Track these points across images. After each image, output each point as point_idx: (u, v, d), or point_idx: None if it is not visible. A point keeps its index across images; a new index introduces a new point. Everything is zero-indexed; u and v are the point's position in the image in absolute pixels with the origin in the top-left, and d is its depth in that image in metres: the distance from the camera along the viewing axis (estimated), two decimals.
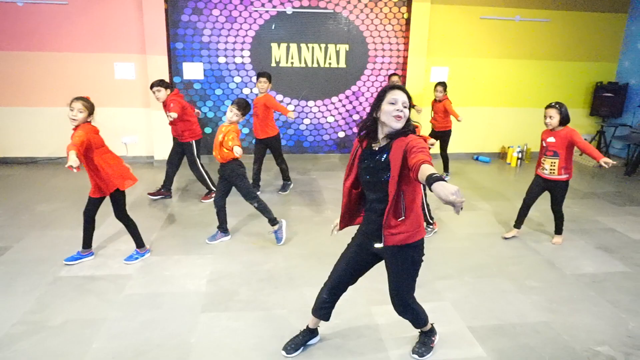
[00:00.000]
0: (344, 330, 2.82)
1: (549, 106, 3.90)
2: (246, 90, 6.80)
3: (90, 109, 3.28)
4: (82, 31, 6.18)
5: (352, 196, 2.35)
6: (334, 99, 7.03)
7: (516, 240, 4.23)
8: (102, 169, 3.33)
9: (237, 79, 6.74)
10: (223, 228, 4.06)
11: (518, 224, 4.29)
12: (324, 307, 2.53)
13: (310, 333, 2.66)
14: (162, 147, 6.44)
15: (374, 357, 2.59)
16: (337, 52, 6.81)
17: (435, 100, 6.06)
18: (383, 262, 2.39)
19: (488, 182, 6.27)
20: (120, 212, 3.53)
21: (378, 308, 3.05)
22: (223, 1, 6.39)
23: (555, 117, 3.83)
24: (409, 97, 2.14)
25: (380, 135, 2.16)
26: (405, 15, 6.81)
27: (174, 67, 6.55)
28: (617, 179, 6.48)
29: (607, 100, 7.41)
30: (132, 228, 3.63)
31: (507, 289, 3.36)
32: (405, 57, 6.93)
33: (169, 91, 4.75)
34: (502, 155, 7.63)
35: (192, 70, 6.61)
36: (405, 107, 2.10)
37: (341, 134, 7.25)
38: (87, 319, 2.84)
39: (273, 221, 4.01)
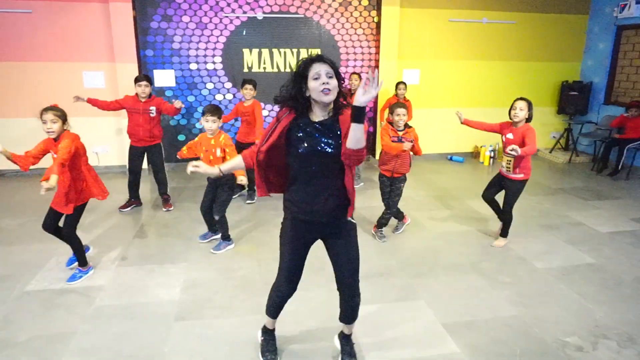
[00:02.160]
0: (322, 331, 2.82)
1: (521, 98, 3.73)
2: (219, 97, 6.76)
3: (62, 116, 3.17)
4: (48, 40, 6.04)
5: (261, 163, 2.14)
6: None
7: (488, 238, 4.31)
8: (86, 178, 3.25)
9: (210, 85, 6.69)
10: (225, 236, 4.00)
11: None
12: (281, 306, 2.46)
13: (273, 334, 2.62)
14: None
15: None
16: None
17: (398, 99, 6.14)
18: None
19: (462, 181, 6.37)
20: (72, 228, 3.33)
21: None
22: (193, 7, 6.35)
23: (524, 110, 3.68)
24: (333, 65, 2.00)
25: (319, 110, 2.05)
26: (376, 19, 6.89)
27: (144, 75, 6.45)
28: (585, 175, 6.67)
29: (573, 99, 7.64)
30: (78, 245, 3.40)
31: (479, 285, 3.42)
32: (377, 60, 7.00)
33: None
34: (475, 155, 7.77)
35: (164, 78, 6.53)
36: (330, 77, 1.96)
37: None
38: (56, 334, 2.76)
39: (227, 237, 4.00)
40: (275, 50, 6.73)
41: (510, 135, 3.82)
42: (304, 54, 6.81)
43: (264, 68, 6.76)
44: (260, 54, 6.70)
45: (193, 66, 6.58)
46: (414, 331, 2.82)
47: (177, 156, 4.04)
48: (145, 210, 4.96)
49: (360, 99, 1.78)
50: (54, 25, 6.01)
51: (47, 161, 3.12)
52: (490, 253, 3.98)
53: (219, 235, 4.07)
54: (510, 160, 3.82)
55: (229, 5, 6.43)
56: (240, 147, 5.20)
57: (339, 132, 2.03)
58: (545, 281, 3.49)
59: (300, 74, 2.01)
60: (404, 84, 6.27)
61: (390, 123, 3.96)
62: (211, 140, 3.76)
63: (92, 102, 4.82)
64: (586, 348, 2.69)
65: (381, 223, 4.19)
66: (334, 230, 2.23)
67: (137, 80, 4.72)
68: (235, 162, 2.27)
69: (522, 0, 7.31)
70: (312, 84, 1.97)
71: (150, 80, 4.77)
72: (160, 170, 4.94)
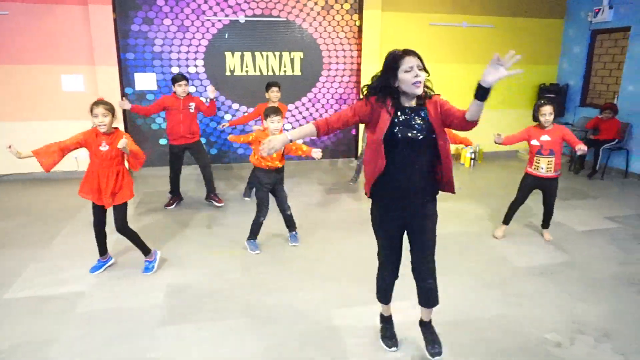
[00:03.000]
0: (310, 334, 2.83)
1: (546, 104, 3.94)
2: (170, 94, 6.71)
3: (112, 110, 3.24)
4: (25, 42, 5.93)
5: (381, 152, 2.20)
6: (291, 106, 7.07)
7: (474, 238, 4.38)
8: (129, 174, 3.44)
9: (192, 89, 6.65)
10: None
11: (507, 220, 4.36)
12: (391, 289, 2.60)
13: (390, 321, 2.73)
14: None
15: None
16: (292, 60, 6.86)
17: None
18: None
19: None
20: (125, 222, 3.50)
21: (340, 310, 3.09)
22: (174, 10, 6.31)
23: (553, 113, 3.91)
24: (421, 59, 2.17)
25: (405, 100, 2.22)
26: (357, 23, 6.96)
27: (125, 78, 6.39)
28: (563, 176, 6.81)
29: (550, 101, 7.79)
30: (135, 236, 3.58)
31: (466, 284, 3.47)
32: (359, 64, 7.07)
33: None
34: (456, 157, 7.89)
35: (145, 81, 6.48)
36: (420, 69, 2.13)
37: (299, 141, 7.27)
38: (39, 341, 2.71)
39: (292, 227, 4.19)
40: (257, 54, 6.73)
41: (546, 137, 3.98)
42: (286, 57, 6.83)
43: (247, 71, 6.76)
44: (242, 57, 6.69)
45: (175, 69, 6.53)
46: (401, 332, 2.85)
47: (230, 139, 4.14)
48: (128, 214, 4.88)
49: (487, 78, 1.98)
50: (31, 28, 5.90)
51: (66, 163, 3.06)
52: (473, 253, 4.04)
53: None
54: (551, 161, 3.98)
55: (210, 8, 6.42)
56: None
57: (426, 117, 2.20)
58: (526, 280, 3.57)
59: (392, 66, 2.14)
60: None
61: None
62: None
63: (136, 109, 4.97)
64: (564, 344, 2.76)
65: None
66: (421, 212, 2.33)
67: (175, 80, 4.89)
68: (306, 129, 2.27)
69: (500, 4, 7.47)
70: (403, 75, 2.12)
71: (188, 80, 4.98)
72: (207, 166, 5.12)
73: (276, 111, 3.81)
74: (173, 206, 5.17)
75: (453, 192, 2.36)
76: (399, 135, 2.18)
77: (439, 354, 2.52)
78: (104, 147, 3.23)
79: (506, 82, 7.87)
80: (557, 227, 4.67)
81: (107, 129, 3.22)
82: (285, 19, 6.69)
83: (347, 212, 5.10)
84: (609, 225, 4.72)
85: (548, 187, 4.15)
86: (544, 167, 4.03)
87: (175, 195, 5.24)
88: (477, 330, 2.89)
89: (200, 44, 6.52)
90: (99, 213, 3.44)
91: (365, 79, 6.95)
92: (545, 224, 4.37)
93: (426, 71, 2.18)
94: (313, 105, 7.16)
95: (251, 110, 6.89)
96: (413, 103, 2.24)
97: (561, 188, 6.04)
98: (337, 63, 7.07)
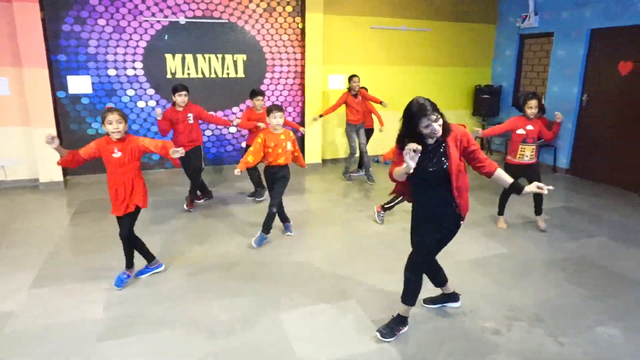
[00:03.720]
0: (255, 340, 2.80)
1: (533, 98, 4.35)
2: (141, 104, 6.48)
3: (125, 117, 3.25)
4: None
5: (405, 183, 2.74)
6: (235, 109, 6.98)
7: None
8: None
9: (131, 92, 6.40)
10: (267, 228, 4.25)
11: (501, 211, 4.78)
12: (440, 277, 3.10)
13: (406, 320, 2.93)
14: (49, 169, 5.88)
15: None
16: (235, 62, 6.78)
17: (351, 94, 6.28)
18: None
19: (390, 182, 6.62)
20: (131, 230, 3.43)
21: (285, 313, 3.08)
22: (109, 10, 6.05)
23: (537, 107, 4.36)
24: (432, 104, 2.44)
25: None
26: (300, 25, 6.99)
27: (57, 81, 6.04)
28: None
29: (485, 101, 8.24)
30: (141, 244, 3.54)
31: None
32: (303, 66, 7.10)
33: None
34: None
35: (79, 84, 6.15)
36: (436, 121, 2.44)
37: (244, 144, 7.18)
38: None
39: (282, 223, 4.49)
40: (199, 56, 6.59)
41: (530, 127, 4.41)
42: (229, 59, 6.73)
43: (188, 74, 6.60)
44: (183, 59, 6.53)
45: (112, 72, 6.26)
46: (345, 330, 2.89)
47: (239, 170, 3.98)
48: (57, 230, 4.62)
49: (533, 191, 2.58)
50: None
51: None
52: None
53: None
54: (534, 149, 4.44)
55: (148, 9, 6.21)
56: None
57: (444, 151, 2.56)
58: (465, 272, 3.73)
59: (411, 122, 2.47)
60: (357, 76, 6.28)
61: None
62: (280, 135, 4.10)
63: (162, 127, 4.93)
64: (502, 331, 2.91)
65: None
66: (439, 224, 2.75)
67: (175, 90, 4.90)
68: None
69: (437, 10, 7.78)
70: (422, 130, 2.47)
71: (188, 90, 4.99)
72: (195, 172, 5.14)
73: (279, 108, 4.08)
74: (202, 201, 5.42)
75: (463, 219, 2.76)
76: (418, 169, 2.51)
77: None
78: (117, 154, 3.21)
79: (444, 84, 8.24)
80: (493, 220, 4.92)
81: (121, 135, 3.20)
82: (227, 21, 6.60)
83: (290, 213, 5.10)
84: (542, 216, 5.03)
85: (532, 173, 4.48)
86: (529, 154, 4.44)
87: (206, 192, 5.49)
88: (418, 324, 2.98)
89: (138, 46, 6.29)
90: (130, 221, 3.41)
91: (310, 81, 7.02)
92: (539, 209, 4.66)
93: (440, 114, 2.47)
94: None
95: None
96: (432, 141, 2.57)
97: (492, 183, 6.39)
98: (281, 65, 7.06)
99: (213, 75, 6.72)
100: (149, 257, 3.60)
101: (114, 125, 3.15)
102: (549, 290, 3.44)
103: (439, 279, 3.09)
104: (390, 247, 4.23)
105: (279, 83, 7.11)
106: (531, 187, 2.56)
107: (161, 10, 6.27)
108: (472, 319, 3.04)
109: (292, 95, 7.26)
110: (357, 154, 6.57)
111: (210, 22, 6.52)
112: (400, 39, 7.67)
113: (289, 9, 6.88)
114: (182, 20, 6.38)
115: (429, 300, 3.19)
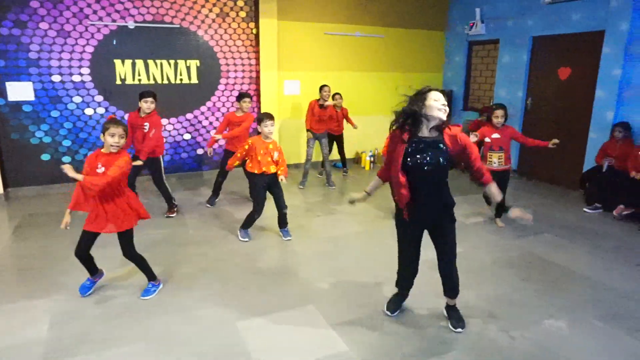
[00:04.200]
0: (214, 352, 2.73)
1: (499, 107, 4.62)
2: (89, 111, 6.21)
3: (127, 134, 3.07)
4: None
5: (403, 180, 2.60)
6: (189, 115, 6.83)
7: (370, 238, 4.57)
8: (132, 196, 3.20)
9: (77, 99, 6.13)
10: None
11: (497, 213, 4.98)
12: (412, 281, 3.10)
13: (404, 298, 3.17)
14: None
15: None
16: (188, 68, 6.64)
17: (323, 107, 6.42)
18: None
19: (344, 185, 6.69)
20: (133, 247, 3.27)
21: (244, 322, 3.03)
22: (52, 14, 5.77)
23: (504, 116, 4.59)
24: (446, 97, 2.58)
25: (425, 129, 2.57)
26: (254, 31, 6.95)
27: None
28: (453, 174, 7.36)
29: (501, 105, 8.43)
30: (143, 261, 3.36)
31: (364, 284, 3.60)
32: (258, 72, 7.06)
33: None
34: (357, 160, 8.21)
35: (19, 91, 5.81)
36: (444, 105, 2.53)
37: (200, 151, 7.05)
38: None
39: (284, 221, 4.54)
40: (150, 62, 6.41)
41: (496, 135, 4.65)
42: (182, 65, 6.59)
43: (139, 80, 6.40)
44: (134, 65, 6.33)
45: (56, 78, 5.97)
46: (305, 336, 2.87)
47: (227, 168, 4.59)
48: (3, 241, 4.34)
49: (517, 215, 2.94)
50: None
51: None
52: (376, 253, 4.22)
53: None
54: (501, 156, 4.67)
55: (95, 12, 5.97)
56: (229, 156, 5.24)
57: (442, 147, 2.58)
58: (422, 273, 3.78)
59: (421, 95, 2.54)
60: (328, 86, 6.46)
61: None
62: (269, 144, 4.20)
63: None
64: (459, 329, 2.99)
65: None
66: (438, 224, 2.80)
67: (141, 95, 4.76)
68: (377, 182, 2.95)
69: (389, 16, 7.95)
70: (432, 102, 2.51)
71: (156, 97, 4.83)
72: (160, 183, 5.07)
73: (269, 116, 4.18)
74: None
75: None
76: (410, 164, 2.56)
77: (464, 326, 2.99)
78: (100, 169, 2.99)
79: (396, 88, 8.39)
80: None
81: (117, 150, 3.04)
82: (179, 26, 6.46)
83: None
84: (492, 215, 5.22)
85: (501, 178, 4.56)
86: (496, 161, 4.68)
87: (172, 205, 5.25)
88: (375, 327, 3.01)
89: (84, 51, 6.03)
90: (88, 239, 3.16)
91: (265, 87, 6.98)
92: (499, 212, 4.91)
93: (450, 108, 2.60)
94: (213, 114, 6.99)
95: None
96: (429, 134, 2.59)
97: (451, 186, 6.59)
98: (235, 71, 6.99)
99: (165, 82, 6.55)
100: (150, 274, 3.41)
101: (115, 139, 2.97)
102: (501, 287, 3.57)
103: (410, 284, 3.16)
104: (344, 251, 4.26)
105: (233, 89, 7.03)
106: (515, 213, 2.87)
107: (108, 15, 6.05)
108: (430, 319, 3.11)
109: None
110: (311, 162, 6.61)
111: (161, 27, 6.36)
112: (354, 44, 7.78)
113: (242, 14, 6.83)
114: (130, 24, 6.19)
115: (392, 309, 3.17)
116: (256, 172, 4.23)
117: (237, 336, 2.88)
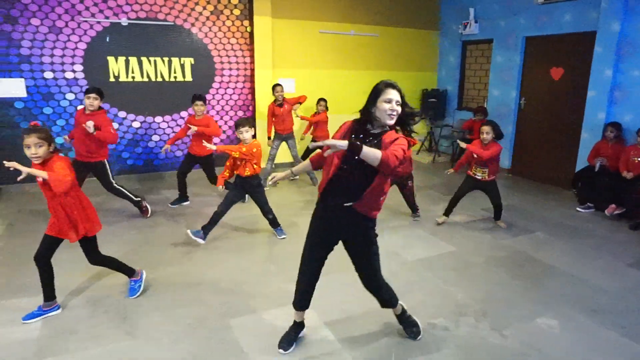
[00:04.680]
0: (205, 348, 2.73)
1: (486, 123, 4.50)
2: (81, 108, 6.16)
3: (48, 138, 2.77)
4: None
5: (333, 166, 2.34)
6: (183, 113, 6.80)
7: None
8: (88, 205, 3.03)
9: (70, 96, 6.09)
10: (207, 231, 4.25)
11: (448, 213, 4.96)
12: (305, 298, 2.66)
13: (299, 326, 2.77)
14: None
15: None
16: (182, 66, 6.62)
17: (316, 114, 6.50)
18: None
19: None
20: (98, 252, 3.15)
21: (236, 320, 3.03)
22: (43, 9, 5.72)
23: (490, 133, 4.44)
24: (402, 95, 2.34)
25: (374, 126, 2.38)
26: (249, 29, 6.93)
27: None
28: (444, 173, 7.45)
29: (432, 105, 8.52)
30: (114, 262, 3.26)
31: (355, 282, 3.60)
32: (253, 70, 7.04)
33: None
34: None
35: (11, 87, 5.77)
36: (398, 105, 2.31)
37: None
38: None
39: (274, 223, 4.49)
40: (144, 59, 6.37)
41: (479, 152, 4.55)
42: (176, 62, 6.56)
43: (133, 77, 6.36)
44: (127, 62, 6.29)
45: (48, 74, 5.92)
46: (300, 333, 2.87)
47: (218, 185, 4.47)
48: None
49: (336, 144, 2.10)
50: None
51: None
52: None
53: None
54: (485, 171, 4.65)
55: (87, 9, 5.93)
56: (195, 160, 5.34)
57: (378, 146, 2.29)
58: (413, 271, 3.82)
59: (374, 94, 2.35)
60: (324, 100, 6.53)
61: None
62: (242, 147, 4.14)
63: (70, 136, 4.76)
64: (450, 327, 3.00)
65: None
66: (349, 237, 2.52)
67: (86, 92, 4.53)
68: (307, 166, 2.71)
69: (384, 15, 7.96)
70: (382, 104, 2.31)
71: (101, 94, 4.58)
72: (111, 187, 4.80)
73: (243, 123, 4.10)
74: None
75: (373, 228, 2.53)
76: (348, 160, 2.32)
77: (420, 333, 2.85)
78: (39, 178, 2.79)
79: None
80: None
81: (41, 160, 2.78)
82: (173, 23, 6.43)
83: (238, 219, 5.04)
84: (484, 215, 5.25)
85: (486, 189, 4.74)
86: (479, 175, 4.70)
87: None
88: (367, 324, 3.02)
89: (77, 47, 5.99)
90: (48, 245, 2.98)
91: (260, 85, 6.97)
92: (497, 215, 4.92)
93: (405, 107, 2.36)
94: (207, 112, 6.96)
95: (142, 118, 6.51)
96: (376, 131, 2.39)
97: (444, 184, 6.63)
98: (230, 69, 6.97)
99: (159, 79, 6.52)
100: (127, 270, 3.32)
101: (31, 150, 2.72)
102: (492, 285, 3.59)
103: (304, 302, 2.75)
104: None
105: (228, 87, 7.01)
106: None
107: (101, 11, 6.01)
108: (422, 316, 3.11)
109: (242, 99, 7.18)
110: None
111: (155, 24, 6.33)
112: (349, 43, 7.78)
113: (236, 12, 6.81)
114: (124, 21, 6.15)
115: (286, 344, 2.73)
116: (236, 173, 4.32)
117: (228, 331, 2.87)
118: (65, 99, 6.07)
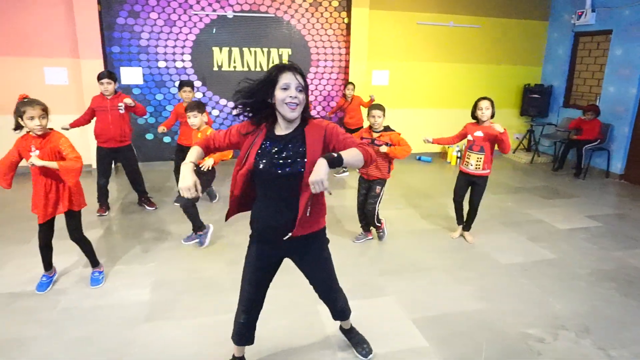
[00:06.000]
0: (291, 330, 2.84)
1: (484, 98, 3.85)
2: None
3: (47, 110, 2.87)
4: (8, 34, 5.81)
5: (245, 185, 1.98)
6: None
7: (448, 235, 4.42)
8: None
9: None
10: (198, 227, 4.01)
11: (459, 221, 4.32)
12: (245, 332, 2.25)
13: None
14: None
15: (322, 355, 2.62)
16: (280, 56, 6.85)
17: (346, 100, 6.42)
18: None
19: (430, 180, 6.53)
20: (80, 230, 3.21)
21: (324, 306, 3.10)
22: (161, 4, 6.25)
23: (489, 109, 3.82)
24: (304, 77, 1.91)
25: (283, 122, 1.93)
26: (346, 20, 6.97)
27: None
28: (545, 175, 6.95)
29: (534, 101, 7.95)
30: (89, 246, 3.32)
31: (446, 280, 3.51)
32: (347, 61, 7.08)
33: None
34: (442, 155, 7.97)
35: (131, 75, 6.40)
36: (300, 91, 1.87)
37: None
38: (13, 339, 2.66)
39: (199, 228, 3.99)
40: (245, 49, 6.70)
41: (479, 133, 3.91)
42: (274, 53, 6.81)
43: (234, 67, 6.72)
44: (230, 52, 6.66)
45: (161, 64, 6.47)
46: (383, 327, 2.87)
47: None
48: (112, 211, 4.84)
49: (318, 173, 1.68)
50: (13, 19, 5.78)
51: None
52: (455, 249, 4.09)
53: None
54: (480, 158, 3.94)
55: (198, 2, 6.37)
56: (184, 151, 5.26)
57: (301, 149, 1.89)
58: (507, 276, 3.62)
59: (270, 80, 1.88)
60: (352, 84, 6.48)
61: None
62: (198, 133, 3.90)
63: (74, 124, 4.53)
64: (547, 339, 2.81)
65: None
66: (300, 247, 2.12)
67: (98, 77, 4.46)
68: (198, 152, 2.10)
69: (486, 5, 7.55)
70: (279, 93, 1.85)
71: (113, 77, 4.48)
72: (135, 172, 4.79)
73: (192, 107, 3.78)
74: (106, 213, 4.75)
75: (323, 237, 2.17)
76: (261, 168, 1.90)
77: (371, 351, 2.56)
78: (34, 152, 2.84)
79: (491, 82, 8.00)
80: (538, 224, 4.75)
81: (43, 132, 2.87)
82: (273, 15, 6.67)
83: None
84: (589, 223, 4.82)
85: (475, 184, 4.06)
86: (473, 163, 3.97)
87: (104, 204, 4.79)
88: (457, 325, 2.92)
89: (187, 39, 6.47)
90: (46, 230, 3.10)
91: (354, 77, 6.99)
92: (467, 225, 4.26)
93: (307, 93, 1.92)
94: None
95: None
96: (288, 131, 1.94)
97: (543, 187, 6.18)
98: (325, 60, 7.07)
99: (258, 69, 6.81)
100: (93, 259, 3.34)
101: (35, 122, 2.76)
102: (598, 301, 3.29)
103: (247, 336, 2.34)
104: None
105: (322, 78, 7.13)
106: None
107: (210, 5, 6.41)
108: (515, 324, 2.96)
109: (335, 90, 7.26)
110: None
111: (257, 16, 6.61)
112: (447, 35, 7.50)
113: (334, 3, 6.87)
114: (229, 14, 6.50)
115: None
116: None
117: (315, 316, 2.95)
118: (174, 86, 6.59)
